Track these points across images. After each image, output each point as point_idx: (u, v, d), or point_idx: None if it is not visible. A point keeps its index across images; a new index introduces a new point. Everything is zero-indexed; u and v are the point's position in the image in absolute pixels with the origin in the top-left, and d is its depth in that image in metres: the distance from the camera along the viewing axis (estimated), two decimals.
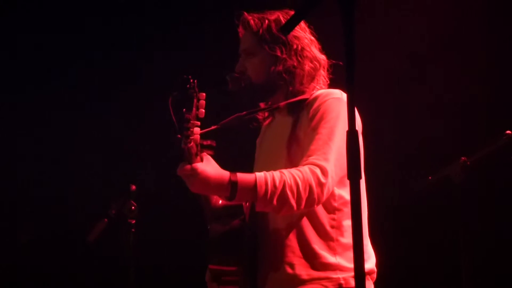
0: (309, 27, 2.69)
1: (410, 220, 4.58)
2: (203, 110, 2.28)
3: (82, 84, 5.09)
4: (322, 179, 2.33)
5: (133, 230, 3.28)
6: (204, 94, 2.30)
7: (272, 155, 2.62)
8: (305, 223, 2.46)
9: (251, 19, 2.65)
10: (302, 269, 2.44)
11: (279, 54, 2.59)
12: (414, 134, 4.62)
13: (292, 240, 2.46)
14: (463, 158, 3.44)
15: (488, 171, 4.03)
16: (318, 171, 2.33)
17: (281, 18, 2.62)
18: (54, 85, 5.07)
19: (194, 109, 2.27)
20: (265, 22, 2.62)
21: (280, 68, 2.58)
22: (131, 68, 5.01)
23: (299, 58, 2.60)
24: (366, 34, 4.37)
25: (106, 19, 5.09)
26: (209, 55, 4.63)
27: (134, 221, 3.28)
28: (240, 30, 2.71)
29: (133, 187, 3.27)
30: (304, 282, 2.43)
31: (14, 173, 5.06)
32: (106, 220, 3.25)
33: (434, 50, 4.60)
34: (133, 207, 3.26)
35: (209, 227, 2.55)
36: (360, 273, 1.71)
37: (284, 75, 2.58)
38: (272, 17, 2.63)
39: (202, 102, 2.29)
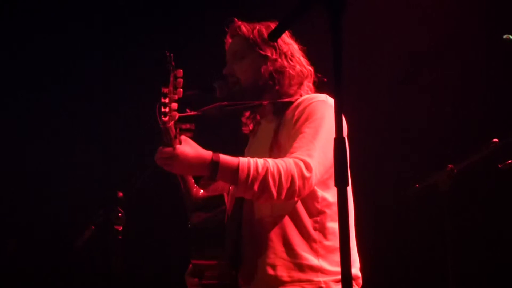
0: (296, 41, 2.74)
1: (397, 226, 4.59)
2: (181, 90, 2.25)
3: (71, 90, 5.07)
4: (306, 173, 2.32)
5: (120, 237, 3.26)
6: (181, 70, 2.26)
7: None
8: (288, 224, 2.46)
9: (242, 24, 2.71)
10: (284, 271, 2.43)
11: (269, 54, 2.63)
12: (400, 139, 4.64)
13: (274, 241, 2.45)
14: (450, 165, 3.45)
15: (475, 178, 4.05)
16: (302, 164, 2.32)
17: (272, 26, 2.67)
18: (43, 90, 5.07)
19: (171, 87, 2.23)
20: (255, 27, 2.69)
21: (271, 68, 2.62)
22: (119, 72, 5.01)
23: (289, 61, 2.65)
24: (357, 38, 4.39)
25: (106, 20, 5.09)
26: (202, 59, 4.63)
27: (121, 228, 3.26)
28: (227, 39, 2.76)
29: (120, 193, 3.25)
30: (285, 283, 2.43)
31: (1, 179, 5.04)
32: (93, 227, 3.23)
33: (427, 54, 4.63)
34: (120, 214, 3.24)
35: (189, 221, 2.53)
36: (346, 277, 1.71)
37: (274, 74, 2.62)
38: (263, 25, 2.70)
39: (180, 80, 2.25)
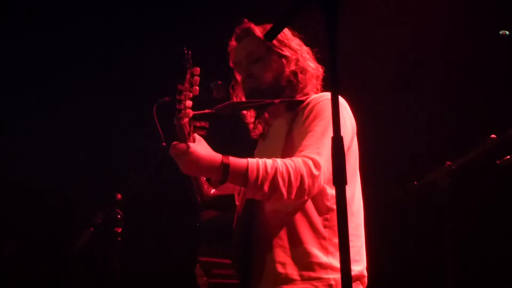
0: (305, 44, 2.75)
1: (396, 223, 4.59)
2: (197, 88, 2.24)
3: (71, 90, 5.06)
4: (315, 171, 2.31)
5: (119, 239, 3.25)
6: (198, 68, 2.26)
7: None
8: (298, 222, 2.45)
9: (255, 26, 2.69)
10: (293, 269, 2.42)
11: (289, 54, 2.64)
12: (398, 137, 4.64)
13: (284, 239, 2.45)
14: (448, 162, 3.45)
15: (474, 175, 4.05)
16: (310, 163, 2.32)
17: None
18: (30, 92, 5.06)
19: (187, 84, 2.23)
20: (267, 29, 2.65)
21: (294, 67, 2.64)
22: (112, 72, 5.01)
23: (308, 61, 2.68)
24: (356, 37, 4.40)
25: (104, 18, 5.08)
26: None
27: (120, 230, 3.26)
28: (232, 41, 2.74)
29: (119, 195, 3.25)
30: (294, 281, 2.41)
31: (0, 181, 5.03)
32: (92, 229, 3.22)
33: (426, 53, 4.63)
34: (119, 216, 3.24)
35: (200, 219, 2.52)
36: (347, 276, 1.70)
37: (299, 73, 2.64)
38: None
39: (196, 78, 2.25)
